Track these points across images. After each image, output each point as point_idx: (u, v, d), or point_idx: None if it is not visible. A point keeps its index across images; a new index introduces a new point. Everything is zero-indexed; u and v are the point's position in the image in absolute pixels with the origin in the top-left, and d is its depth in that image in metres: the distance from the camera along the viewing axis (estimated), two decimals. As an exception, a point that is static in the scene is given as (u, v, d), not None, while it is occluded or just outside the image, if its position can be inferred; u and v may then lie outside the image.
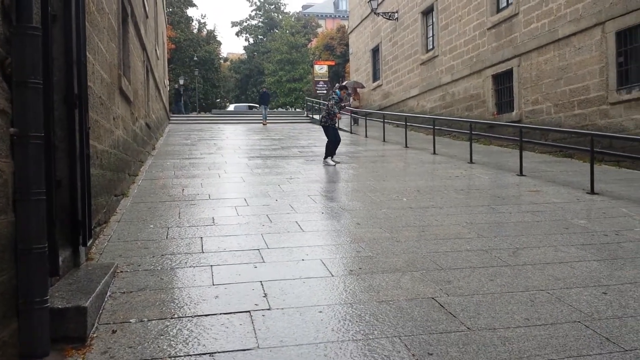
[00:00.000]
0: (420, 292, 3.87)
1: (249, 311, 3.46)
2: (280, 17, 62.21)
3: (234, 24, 63.68)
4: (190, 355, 2.88)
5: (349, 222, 6.19)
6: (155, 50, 16.39)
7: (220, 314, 3.43)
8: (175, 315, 3.40)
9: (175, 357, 2.86)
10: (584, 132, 9.97)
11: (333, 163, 10.74)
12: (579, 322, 3.34)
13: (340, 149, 14.79)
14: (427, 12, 19.21)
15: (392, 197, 7.65)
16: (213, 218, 6.24)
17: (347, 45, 35.09)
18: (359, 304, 3.63)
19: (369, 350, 2.94)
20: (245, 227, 5.86)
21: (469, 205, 7.08)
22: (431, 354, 2.90)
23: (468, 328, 3.24)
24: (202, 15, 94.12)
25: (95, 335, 3.11)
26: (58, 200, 3.54)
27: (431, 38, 18.95)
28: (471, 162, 11.30)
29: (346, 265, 4.56)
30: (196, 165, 10.83)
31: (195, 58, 47.39)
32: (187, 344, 3.00)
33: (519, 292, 3.87)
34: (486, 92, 15.29)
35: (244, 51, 64.27)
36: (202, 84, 49.28)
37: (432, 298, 3.74)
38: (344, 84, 17.40)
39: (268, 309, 3.50)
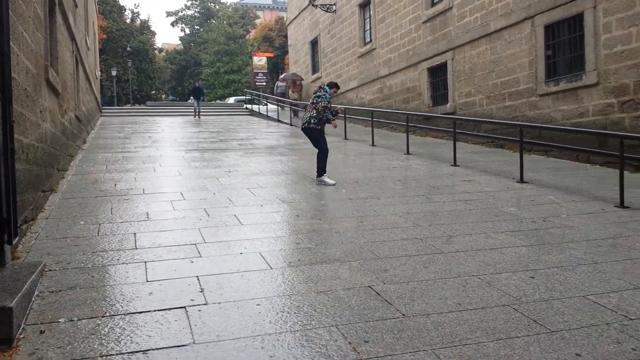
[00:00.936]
0: (358, 281, 3.92)
1: (184, 307, 3.40)
2: (217, 7, 61.25)
3: (169, 14, 62.22)
4: (123, 354, 2.79)
5: (288, 214, 6.18)
6: (86, 40, 15.70)
7: (155, 310, 3.34)
8: (107, 314, 3.28)
9: (107, 356, 2.77)
10: (514, 123, 10.40)
11: (332, 182, 8.06)
12: (508, 305, 3.48)
13: (281, 141, 14.79)
14: (364, 5, 19.39)
15: (331, 189, 7.71)
16: (147, 213, 6.07)
17: (285, 36, 34.89)
18: (297, 295, 3.63)
19: (306, 341, 2.95)
20: (182, 221, 5.73)
21: (405, 196, 7.23)
22: (367, 342, 2.94)
23: (403, 315, 3.31)
24: (135, 4, 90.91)
25: (22, 336, 2.98)
26: (-22, 197, 3.35)
27: (369, 31, 19.15)
28: (408, 153, 11.54)
29: (285, 257, 4.55)
30: (130, 159, 10.48)
31: (128, 48, 45.98)
32: (120, 343, 2.91)
33: (451, 278, 3.99)
34: (422, 85, 15.64)
35: (179, 42, 62.87)
36: (136, 75, 47.83)
37: (369, 287, 3.80)
38: (282, 76, 16.87)
39: (205, 304, 3.45)
